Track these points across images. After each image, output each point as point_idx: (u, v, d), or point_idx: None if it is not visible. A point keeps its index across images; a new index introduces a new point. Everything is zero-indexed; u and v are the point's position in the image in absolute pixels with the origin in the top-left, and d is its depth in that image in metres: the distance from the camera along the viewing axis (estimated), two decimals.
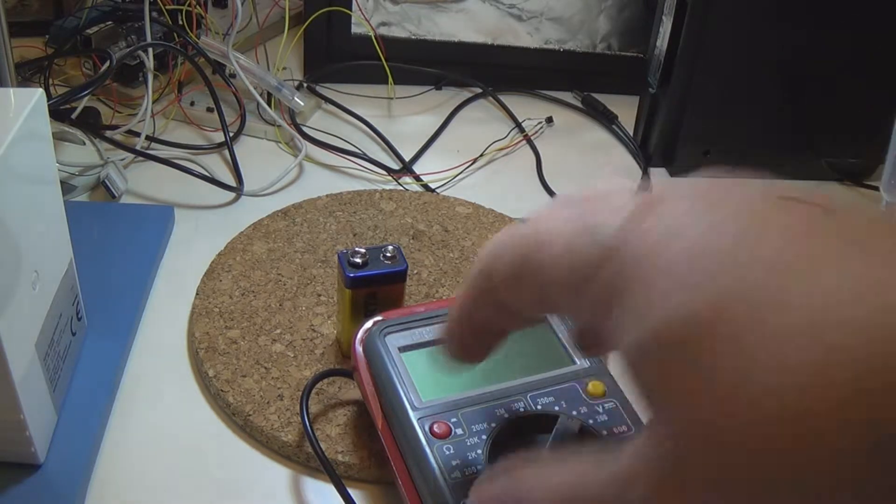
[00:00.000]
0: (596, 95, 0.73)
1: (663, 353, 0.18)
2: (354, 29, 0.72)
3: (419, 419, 0.35)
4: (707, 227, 0.19)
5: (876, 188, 0.66)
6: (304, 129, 0.65)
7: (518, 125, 0.69)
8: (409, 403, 0.35)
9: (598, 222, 0.21)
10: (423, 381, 0.37)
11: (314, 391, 0.41)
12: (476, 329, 0.28)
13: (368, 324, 0.39)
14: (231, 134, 0.62)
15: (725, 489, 0.18)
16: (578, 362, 0.39)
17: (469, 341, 0.28)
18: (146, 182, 0.58)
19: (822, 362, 0.16)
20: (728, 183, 0.21)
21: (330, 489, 0.37)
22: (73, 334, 0.41)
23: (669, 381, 0.18)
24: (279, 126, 0.64)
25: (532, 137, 0.69)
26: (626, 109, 0.70)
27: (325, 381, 0.42)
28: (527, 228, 0.24)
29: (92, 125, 0.61)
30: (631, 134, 0.70)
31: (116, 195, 0.56)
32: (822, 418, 0.16)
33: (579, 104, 0.74)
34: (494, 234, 0.30)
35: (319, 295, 0.48)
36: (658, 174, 0.67)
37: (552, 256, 0.22)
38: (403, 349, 0.38)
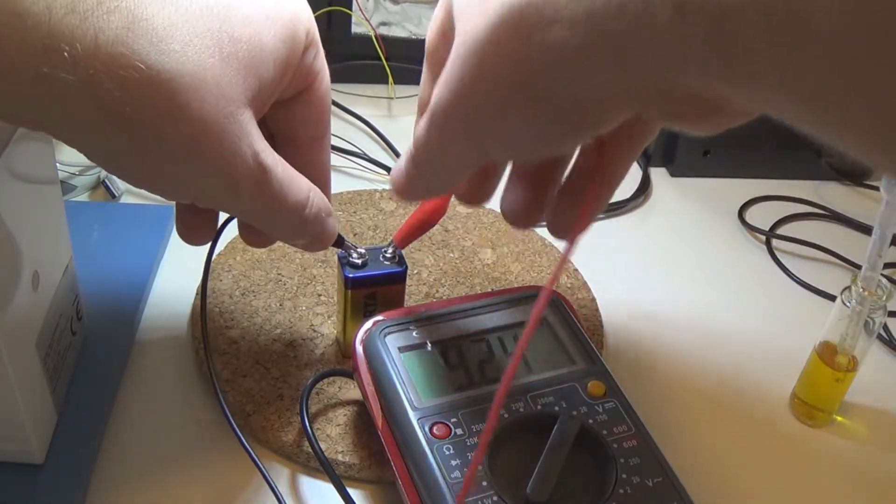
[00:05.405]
0: None
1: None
2: (354, 29, 0.72)
3: (419, 419, 0.35)
4: None
5: (876, 188, 0.66)
6: None
7: None
8: (409, 404, 0.35)
9: None
10: (423, 382, 0.37)
11: (314, 391, 0.41)
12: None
13: (368, 324, 0.39)
14: None
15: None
16: (578, 362, 0.39)
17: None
18: None
19: None
20: None
21: (330, 489, 0.37)
22: (73, 334, 0.41)
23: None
24: None
25: None
26: None
27: (325, 381, 0.42)
28: None
29: None
30: None
31: (116, 195, 0.56)
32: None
33: None
34: None
35: (319, 295, 0.48)
36: (658, 174, 0.67)
37: None
38: (403, 349, 0.38)
